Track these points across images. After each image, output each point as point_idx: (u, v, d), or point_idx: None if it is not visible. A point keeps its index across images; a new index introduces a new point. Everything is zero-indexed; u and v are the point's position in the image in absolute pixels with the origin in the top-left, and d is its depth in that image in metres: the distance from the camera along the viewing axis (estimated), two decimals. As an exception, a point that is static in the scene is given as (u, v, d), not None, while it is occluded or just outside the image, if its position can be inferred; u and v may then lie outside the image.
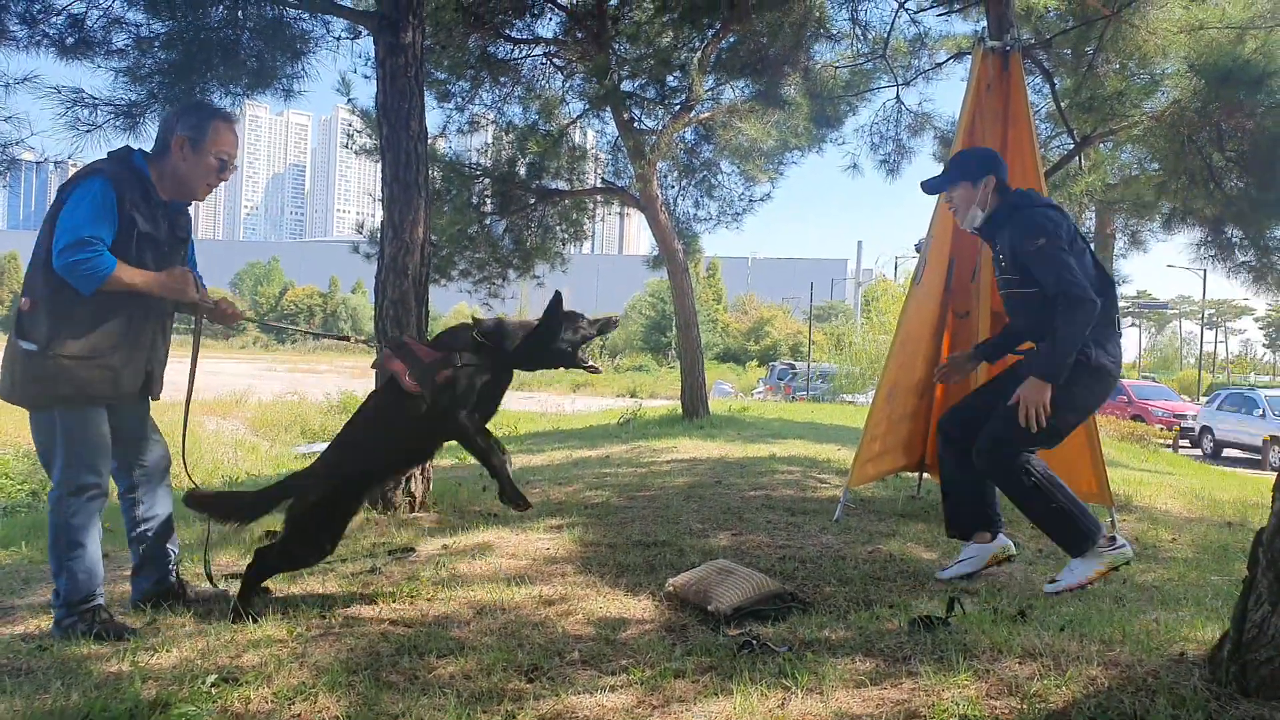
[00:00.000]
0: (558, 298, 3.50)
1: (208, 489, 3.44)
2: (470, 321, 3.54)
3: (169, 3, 5.76)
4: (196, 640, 2.94)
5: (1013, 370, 3.92)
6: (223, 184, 3.43)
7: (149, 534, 3.40)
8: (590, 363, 3.63)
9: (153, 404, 3.45)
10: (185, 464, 3.39)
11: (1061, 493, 3.54)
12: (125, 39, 5.86)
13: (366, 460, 3.39)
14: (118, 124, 5.61)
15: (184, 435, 3.42)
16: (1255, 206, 8.52)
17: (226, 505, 3.40)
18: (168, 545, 3.45)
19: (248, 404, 19.30)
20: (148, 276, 3.08)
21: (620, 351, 62.24)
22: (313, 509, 3.28)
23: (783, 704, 2.34)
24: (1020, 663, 2.51)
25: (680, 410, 13.99)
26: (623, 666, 2.66)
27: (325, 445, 3.67)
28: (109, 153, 3.26)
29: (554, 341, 3.48)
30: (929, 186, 4.05)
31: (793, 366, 43.35)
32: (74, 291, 2.97)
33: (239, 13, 5.73)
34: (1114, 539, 3.61)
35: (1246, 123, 8.11)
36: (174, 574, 3.49)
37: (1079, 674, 2.38)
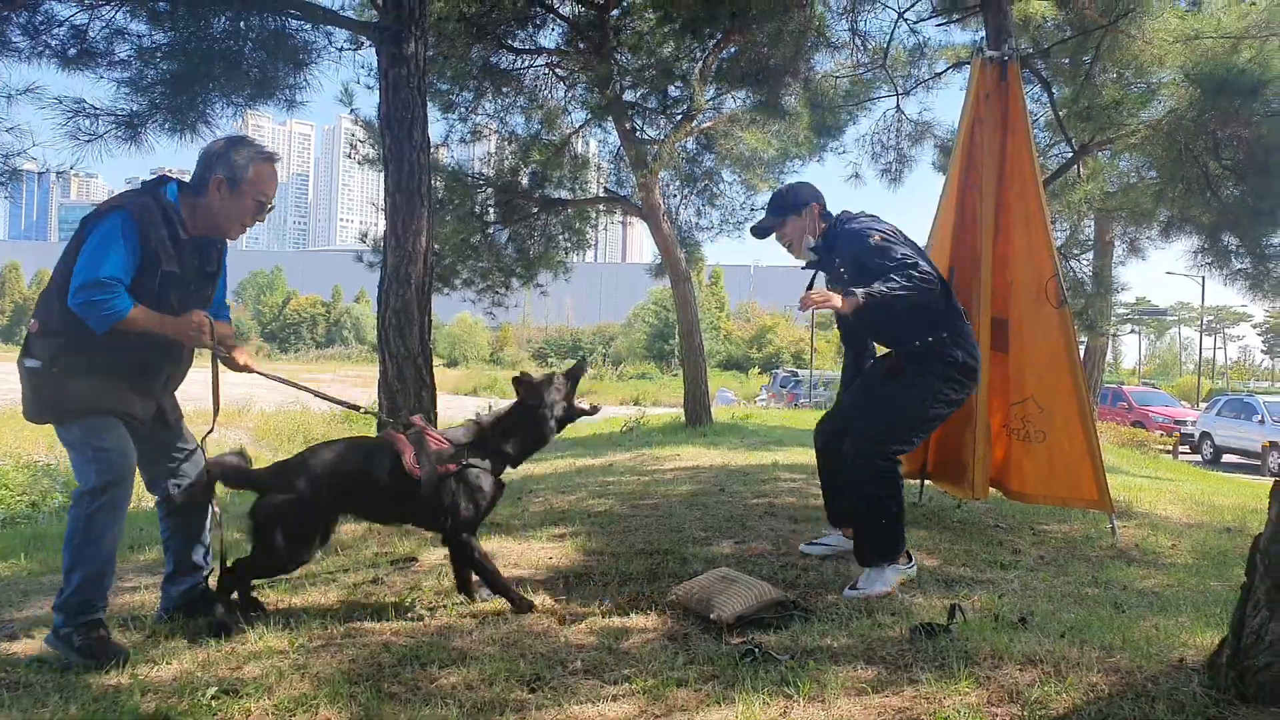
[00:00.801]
0: (518, 379, 3.57)
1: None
2: (476, 420, 3.58)
3: (171, 14, 5.80)
4: (196, 652, 2.95)
5: (870, 372, 4.15)
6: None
7: (183, 542, 3.40)
8: (585, 405, 3.68)
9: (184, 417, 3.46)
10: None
11: (899, 504, 3.76)
12: (127, 50, 5.90)
13: (334, 497, 3.33)
14: (119, 134, 5.64)
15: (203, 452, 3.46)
16: (1251, 214, 8.56)
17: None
18: (202, 556, 3.45)
19: (250, 414, 19.31)
20: (163, 321, 3.04)
21: (624, 360, 62.34)
22: (274, 517, 3.23)
23: (785, 712, 2.35)
24: (1021, 669, 2.53)
25: (683, 418, 14.01)
26: (625, 676, 2.67)
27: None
28: (142, 182, 3.22)
29: (544, 418, 3.53)
30: (759, 231, 4.16)
31: (795, 374, 43.35)
32: (88, 328, 2.95)
33: (241, 24, 5.76)
34: (909, 556, 3.89)
35: (1242, 131, 8.14)
36: (205, 584, 3.47)
37: (1079, 680, 2.39)
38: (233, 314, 3.64)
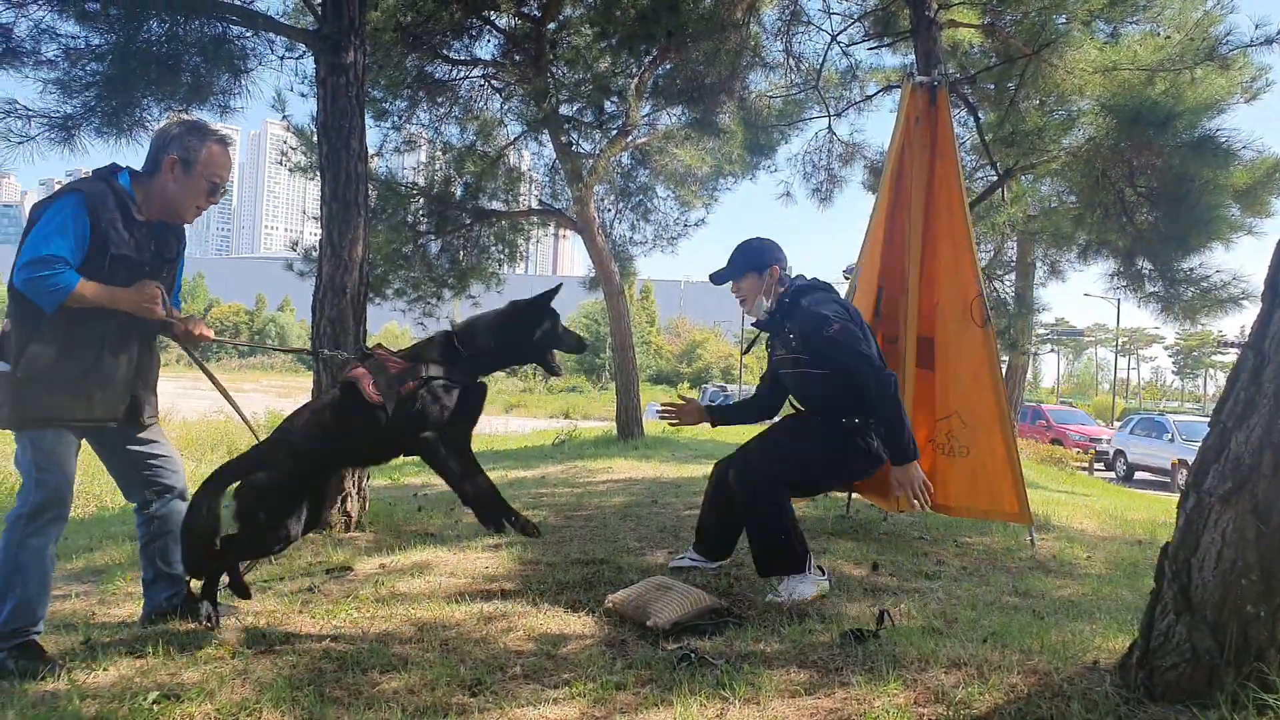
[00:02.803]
0: (557, 288, 3.47)
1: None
2: (449, 329, 3.45)
3: (105, 15, 5.68)
4: (135, 658, 2.91)
5: (794, 423, 4.14)
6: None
7: (163, 549, 3.32)
8: (554, 362, 3.52)
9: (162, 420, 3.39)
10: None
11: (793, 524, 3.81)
12: (55, 50, 5.75)
13: (313, 455, 3.21)
14: (52, 136, 5.48)
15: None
16: (1163, 240, 8.95)
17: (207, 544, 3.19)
18: (179, 562, 3.34)
19: (172, 423, 18.79)
20: (114, 294, 2.98)
21: (554, 372, 62.06)
22: (261, 494, 3.12)
23: (721, 713, 2.42)
24: (946, 672, 2.63)
25: (615, 431, 14.05)
26: (565, 680, 2.71)
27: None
28: (94, 170, 3.16)
29: (536, 330, 3.40)
30: (717, 278, 4.18)
31: (724, 389, 43.76)
32: (41, 311, 2.89)
33: (179, 29, 5.67)
34: (822, 569, 3.91)
35: (1155, 160, 8.53)
36: (187, 589, 3.40)
37: (1000, 682, 2.51)
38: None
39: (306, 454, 3.20)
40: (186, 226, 3.36)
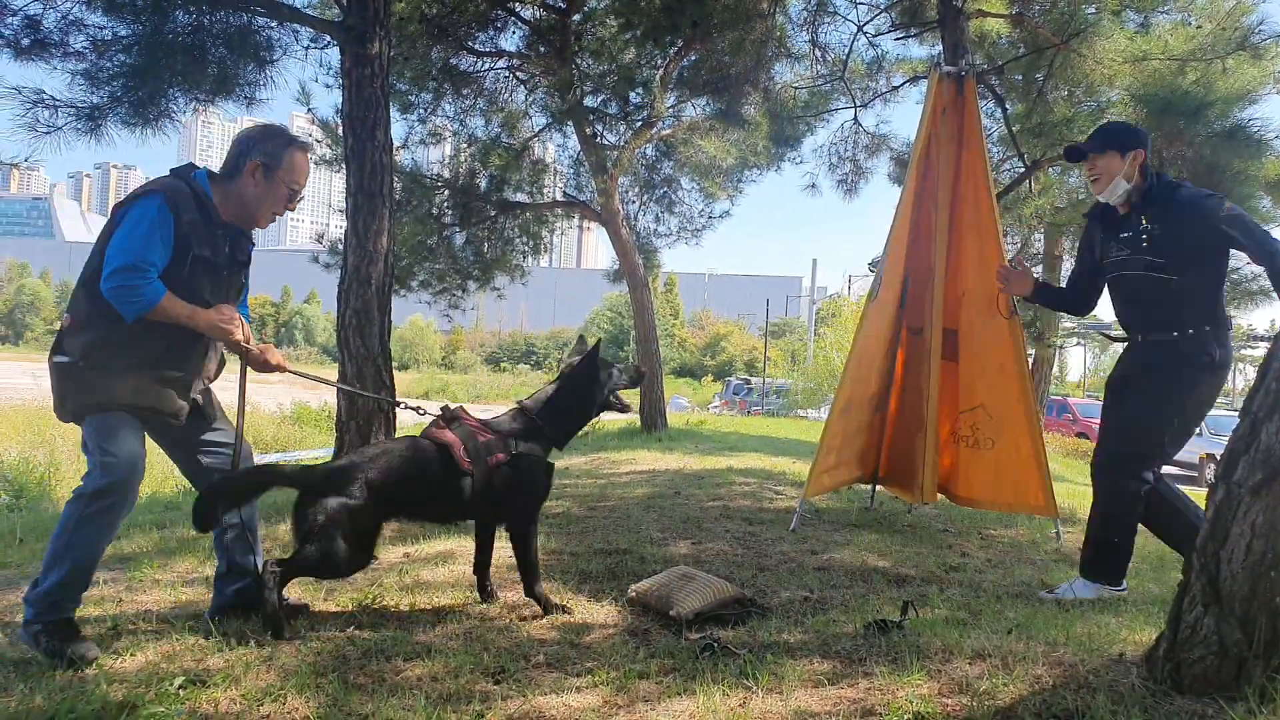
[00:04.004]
0: (597, 345, 3.57)
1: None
2: (519, 404, 3.53)
3: (132, 6, 5.74)
4: (161, 644, 2.94)
5: (1123, 386, 3.78)
6: None
7: (236, 540, 3.32)
8: (623, 402, 3.69)
9: None
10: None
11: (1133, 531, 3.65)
12: (83, 41, 5.82)
13: (389, 501, 3.21)
14: (79, 126, 5.56)
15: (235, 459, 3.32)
16: (1194, 231, 8.81)
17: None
18: (250, 557, 3.35)
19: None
20: (194, 312, 2.99)
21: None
22: (327, 524, 3.05)
23: (744, 703, 2.42)
24: (970, 663, 2.62)
25: (639, 423, 14.07)
26: (588, 669, 2.72)
27: (279, 456, 3.58)
28: (171, 169, 3.16)
29: (595, 395, 3.56)
30: (1072, 154, 3.87)
31: (748, 381, 43.68)
32: (117, 315, 2.89)
33: (205, 19, 5.73)
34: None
35: (1186, 151, 8.40)
36: (253, 586, 3.36)
37: (1025, 673, 2.49)
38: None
39: (384, 499, 3.17)
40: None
